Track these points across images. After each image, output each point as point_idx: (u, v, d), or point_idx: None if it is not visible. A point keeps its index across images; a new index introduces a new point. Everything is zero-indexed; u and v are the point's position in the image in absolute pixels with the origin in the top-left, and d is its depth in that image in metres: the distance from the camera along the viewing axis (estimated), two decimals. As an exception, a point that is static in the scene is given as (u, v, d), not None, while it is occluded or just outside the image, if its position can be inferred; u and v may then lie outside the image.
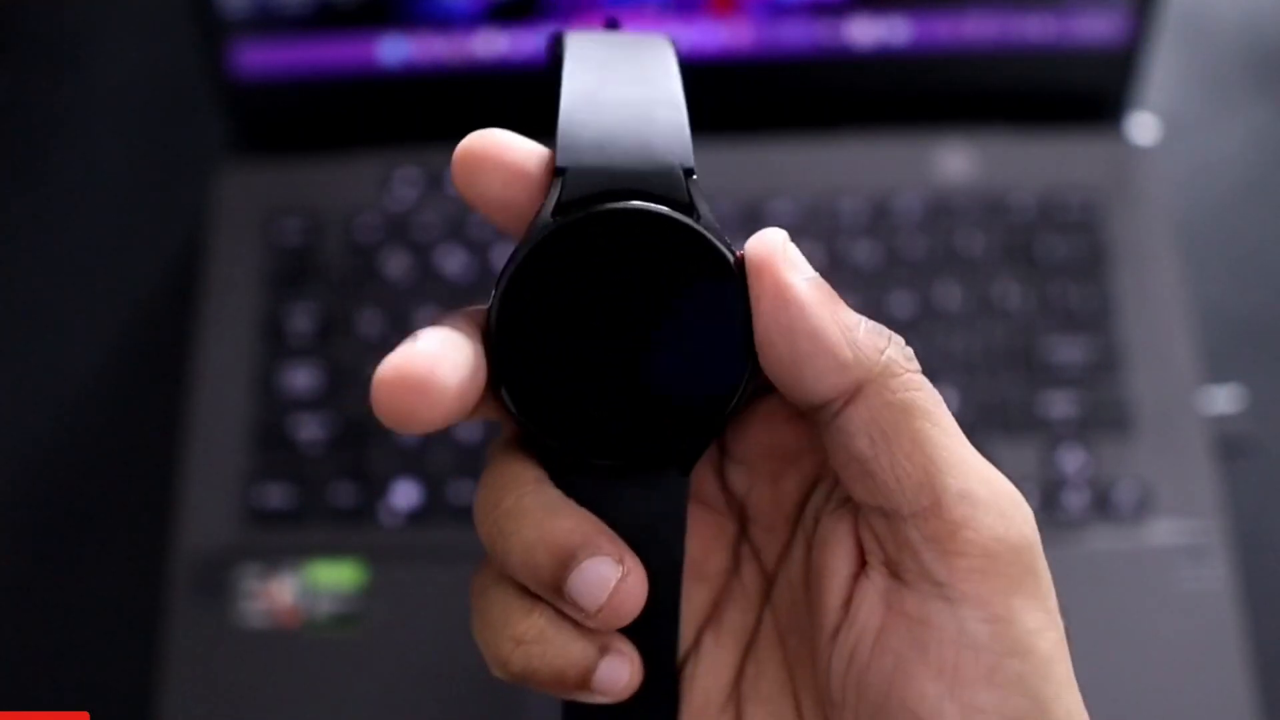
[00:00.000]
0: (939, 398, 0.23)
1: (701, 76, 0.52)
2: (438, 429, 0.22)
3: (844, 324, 0.22)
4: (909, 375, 0.23)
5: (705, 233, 0.22)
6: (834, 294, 0.23)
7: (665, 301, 0.23)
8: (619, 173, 0.23)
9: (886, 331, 0.23)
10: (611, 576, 0.23)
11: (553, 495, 0.24)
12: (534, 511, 0.23)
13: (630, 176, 0.23)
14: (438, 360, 0.22)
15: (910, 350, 0.23)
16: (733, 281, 0.23)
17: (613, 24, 0.28)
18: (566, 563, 0.23)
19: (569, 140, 0.23)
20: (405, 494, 0.45)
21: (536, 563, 0.23)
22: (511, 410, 0.23)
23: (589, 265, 0.22)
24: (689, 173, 0.23)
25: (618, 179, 0.23)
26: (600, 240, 0.22)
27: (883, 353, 0.22)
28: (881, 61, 0.51)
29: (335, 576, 0.44)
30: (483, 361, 0.23)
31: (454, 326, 0.23)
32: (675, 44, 0.27)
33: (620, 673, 0.24)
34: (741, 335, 0.23)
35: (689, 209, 0.23)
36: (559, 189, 0.23)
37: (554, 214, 0.23)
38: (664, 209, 0.22)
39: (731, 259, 0.23)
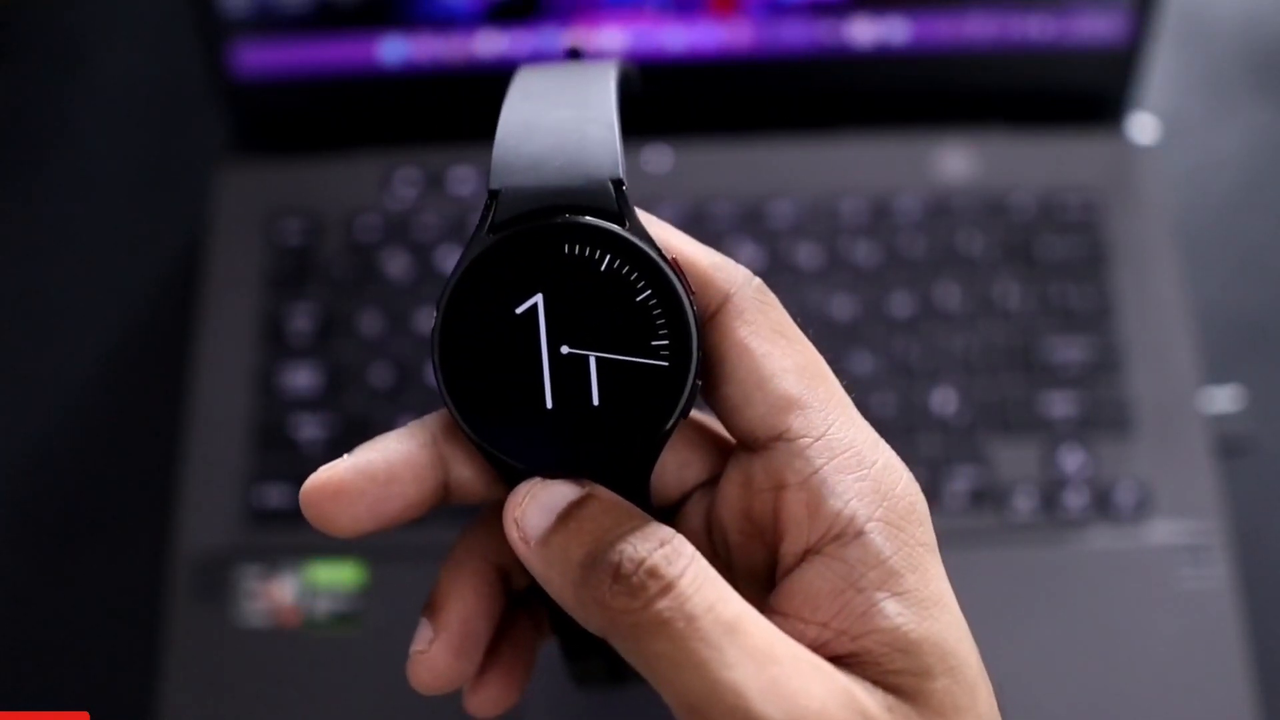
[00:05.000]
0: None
1: (701, 76, 0.52)
2: (373, 529, 0.25)
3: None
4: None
5: (633, 239, 0.23)
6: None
7: (602, 307, 0.23)
8: (549, 190, 0.23)
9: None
10: (416, 642, 0.25)
11: (473, 554, 0.26)
12: (452, 556, 0.26)
13: (561, 193, 0.23)
14: (351, 471, 0.24)
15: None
16: (667, 283, 0.23)
17: (574, 53, 0.28)
18: (424, 607, 0.26)
19: (501, 163, 0.23)
20: (405, 494, 0.45)
21: None
22: (460, 425, 0.24)
23: (524, 279, 0.23)
24: (619, 184, 0.23)
25: (548, 196, 0.23)
26: (533, 254, 0.23)
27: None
28: (881, 61, 0.51)
29: (335, 576, 0.44)
30: (426, 461, 0.25)
31: (394, 438, 0.25)
32: (628, 66, 0.27)
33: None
34: (682, 335, 0.23)
35: (618, 219, 0.23)
36: (493, 210, 0.23)
37: (489, 233, 0.23)
38: (590, 219, 0.23)
39: (660, 260, 0.23)
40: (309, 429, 0.47)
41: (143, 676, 0.44)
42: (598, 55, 0.50)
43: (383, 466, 0.24)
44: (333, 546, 0.45)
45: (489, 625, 0.26)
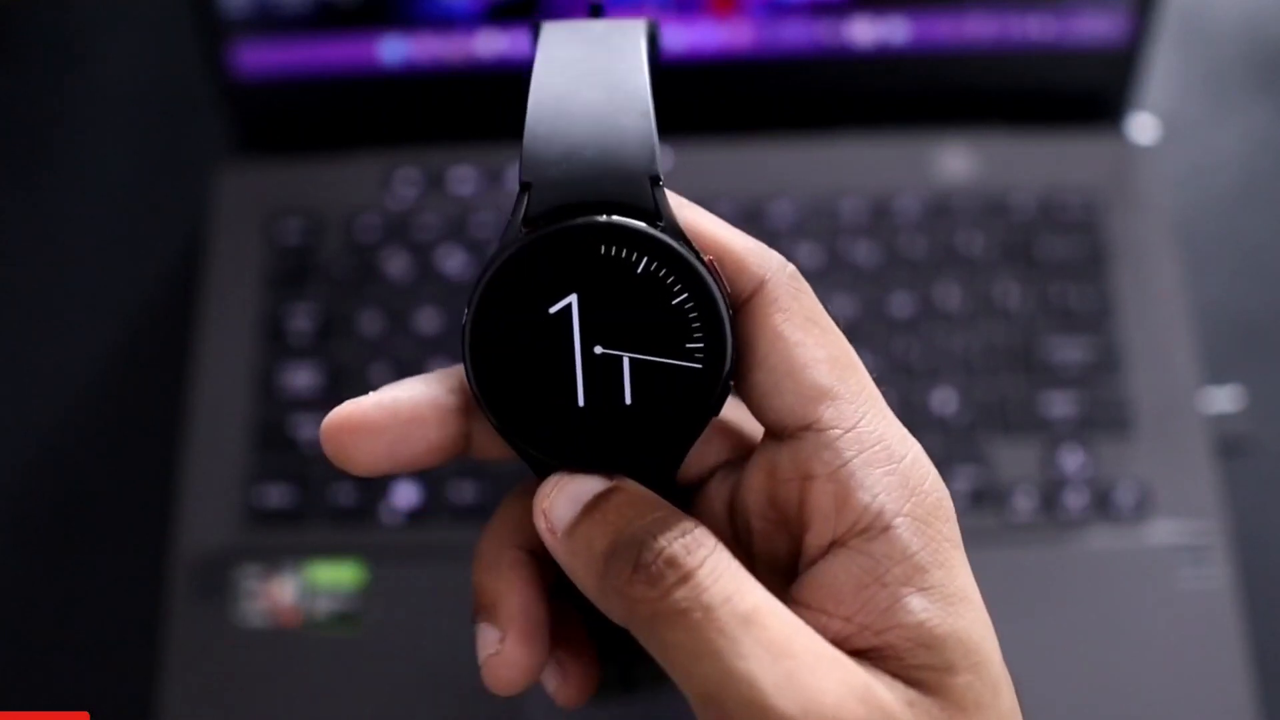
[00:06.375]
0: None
1: (701, 76, 0.52)
2: (390, 470, 0.24)
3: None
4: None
5: (670, 241, 0.23)
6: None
7: (636, 309, 0.23)
8: (583, 184, 0.23)
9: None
10: (485, 647, 0.25)
11: (504, 546, 0.25)
12: (482, 555, 0.26)
13: (595, 188, 0.23)
14: (375, 406, 0.24)
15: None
16: (701, 285, 0.23)
17: (596, 10, 0.28)
18: (474, 613, 0.25)
19: (533, 153, 0.23)
20: (405, 494, 0.45)
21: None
22: (490, 419, 0.24)
23: (558, 279, 0.23)
24: (655, 180, 0.23)
25: (583, 190, 0.23)
26: (568, 254, 0.23)
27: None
28: (881, 61, 0.51)
29: (335, 576, 0.44)
30: (451, 406, 0.25)
31: (421, 380, 0.25)
32: (655, 25, 0.27)
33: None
34: (717, 339, 0.23)
35: (654, 217, 0.23)
36: (525, 202, 0.23)
37: (522, 227, 0.23)
38: (629, 221, 0.23)
39: (698, 263, 0.23)
40: (309, 429, 0.47)
41: (143, 676, 0.44)
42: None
43: (407, 405, 0.24)
44: (333, 546, 0.45)
45: (546, 610, 0.26)
